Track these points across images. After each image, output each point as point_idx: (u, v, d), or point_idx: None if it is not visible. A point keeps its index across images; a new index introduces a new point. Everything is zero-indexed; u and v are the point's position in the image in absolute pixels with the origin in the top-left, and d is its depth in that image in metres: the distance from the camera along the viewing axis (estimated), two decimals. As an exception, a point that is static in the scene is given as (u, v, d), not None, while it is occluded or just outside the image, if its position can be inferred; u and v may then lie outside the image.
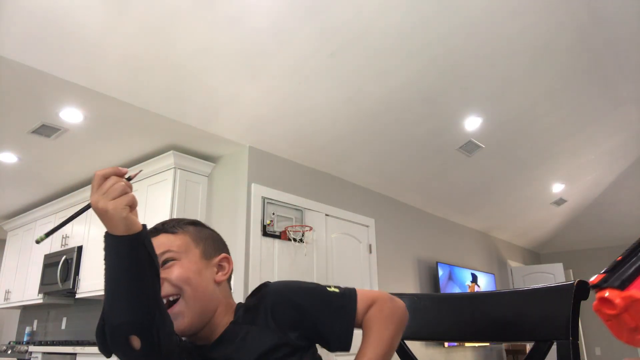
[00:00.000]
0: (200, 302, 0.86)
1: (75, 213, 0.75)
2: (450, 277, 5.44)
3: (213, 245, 0.96)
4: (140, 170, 0.92)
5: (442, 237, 5.69)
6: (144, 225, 0.73)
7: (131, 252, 0.69)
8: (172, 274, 0.86)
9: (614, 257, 0.55)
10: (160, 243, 0.88)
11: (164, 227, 0.92)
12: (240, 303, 0.94)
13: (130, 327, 0.70)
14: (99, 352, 3.10)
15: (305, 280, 0.92)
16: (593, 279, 0.52)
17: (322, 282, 0.87)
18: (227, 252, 0.98)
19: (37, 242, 0.75)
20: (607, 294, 0.49)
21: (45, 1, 2.21)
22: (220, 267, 0.94)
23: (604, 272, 0.52)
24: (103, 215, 0.69)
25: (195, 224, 0.97)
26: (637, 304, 0.47)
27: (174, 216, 3.46)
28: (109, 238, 0.70)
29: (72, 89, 2.76)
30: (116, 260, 0.70)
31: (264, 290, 0.90)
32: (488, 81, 3.48)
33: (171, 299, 0.85)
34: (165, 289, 0.84)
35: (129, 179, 0.74)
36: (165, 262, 0.87)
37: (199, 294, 0.86)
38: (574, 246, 7.80)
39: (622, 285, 0.49)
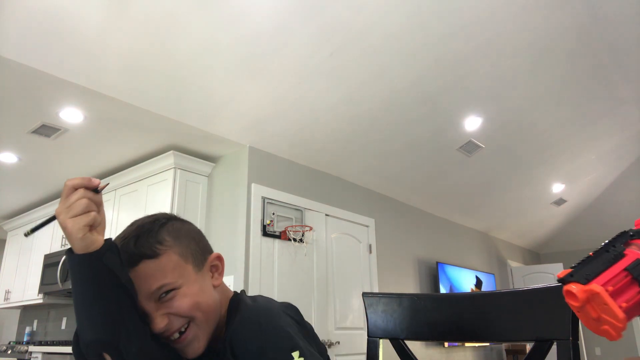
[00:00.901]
0: (211, 318, 0.79)
1: (50, 218, 0.73)
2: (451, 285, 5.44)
3: (198, 249, 0.83)
4: (108, 184, 0.80)
5: (442, 237, 5.69)
6: (107, 240, 0.70)
7: (89, 270, 0.67)
8: (179, 307, 0.76)
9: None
10: (148, 275, 0.75)
11: (140, 252, 0.76)
12: (235, 294, 0.87)
13: (99, 345, 0.69)
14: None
15: (283, 324, 0.75)
16: (560, 273, 0.56)
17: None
18: (210, 247, 0.87)
19: (26, 235, 0.74)
20: (571, 288, 0.54)
21: (45, 1, 2.21)
22: (213, 267, 0.85)
23: (570, 267, 0.57)
24: (63, 229, 0.67)
25: (169, 230, 0.81)
26: (597, 297, 0.51)
27: (174, 216, 3.46)
28: (68, 254, 0.69)
29: (72, 89, 2.76)
30: (77, 277, 0.68)
31: (235, 318, 0.78)
32: (488, 81, 3.48)
33: (182, 329, 0.77)
34: (174, 323, 0.76)
35: (97, 190, 0.70)
36: (165, 293, 0.76)
37: (209, 312, 0.79)
38: (574, 246, 7.80)
39: (585, 281, 0.53)
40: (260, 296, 0.88)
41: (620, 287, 0.51)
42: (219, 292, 0.84)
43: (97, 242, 0.68)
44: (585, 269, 0.55)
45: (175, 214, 0.87)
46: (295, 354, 0.68)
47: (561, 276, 0.56)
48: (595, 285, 0.51)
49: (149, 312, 0.75)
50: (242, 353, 0.72)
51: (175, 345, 0.77)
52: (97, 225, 0.68)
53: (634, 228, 0.61)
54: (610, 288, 0.51)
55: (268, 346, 0.71)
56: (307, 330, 0.81)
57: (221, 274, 0.86)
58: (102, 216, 0.70)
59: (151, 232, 0.78)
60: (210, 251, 0.86)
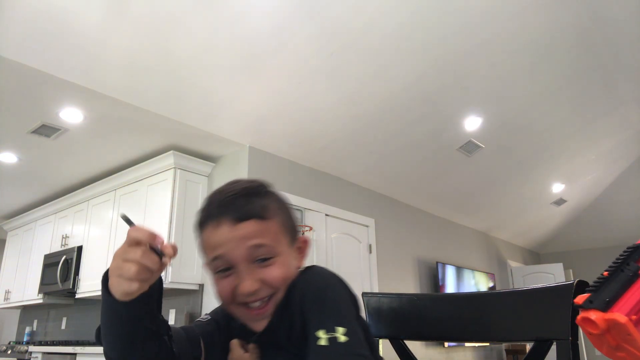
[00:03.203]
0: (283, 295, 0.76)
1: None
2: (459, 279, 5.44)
3: (294, 226, 0.81)
4: (174, 252, 0.69)
5: (442, 237, 5.69)
6: (152, 287, 0.66)
7: (112, 310, 0.66)
8: (274, 276, 0.73)
9: (614, 258, 0.56)
10: (251, 232, 0.72)
11: (250, 209, 0.74)
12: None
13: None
14: (98, 353, 3.11)
15: (345, 296, 0.73)
16: (577, 298, 0.54)
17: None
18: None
19: (123, 217, 0.71)
20: (591, 315, 0.51)
21: (45, 1, 2.21)
22: (298, 249, 0.82)
23: (589, 292, 0.54)
24: (110, 272, 0.64)
25: (276, 198, 0.81)
26: (619, 327, 0.49)
27: (174, 216, 3.46)
28: (102, 285, 0.67)
29: (72, 89, 2.76)
30: (102, 303, 0.68)
31: (300, 284, 0.74)
32: (488, 81, 3.48)
33: (264, 300, 0.75)
34: (262, 292, 0.73)
35: (159, 253, 0.65)
36: (263, 260, 0.73)
37: (286, 289, 0.76)
38: (574, 246, 7.80)
39: (605, 307, 0.51)
40: None
41: None
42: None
43: (137, 292, 0.63)
44: (603, 293, 0.52)
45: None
46: (341, 330, 0.66)
47: (580, 302, 0.53)
48: (620, 315, 0.49)
49: (241, 271, 0.73)
50: (296, 306, 0.71)
51: (250, 313, 0.75)
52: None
53: None
54: (634, 317, 0.49)
55: (322, 308, 0.69)
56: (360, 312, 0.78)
57: (304, 257, 0.83)
58: (157, 275, 0.66)
59: (260, 194, 0.78)
60: (299, 231, 0.85)
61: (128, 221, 0.69)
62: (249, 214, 0.74)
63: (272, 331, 0.74)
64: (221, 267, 0.74)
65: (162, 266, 0.65)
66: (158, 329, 0.70)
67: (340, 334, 0.65)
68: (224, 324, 0.85)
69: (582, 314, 0.53)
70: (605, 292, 0.52)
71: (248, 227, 0.73)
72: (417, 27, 2.83)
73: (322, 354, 0.65)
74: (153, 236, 0.64)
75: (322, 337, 0.65)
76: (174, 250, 0.66)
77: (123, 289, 0.62)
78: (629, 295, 0.51)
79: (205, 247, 0.77)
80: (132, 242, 0.64)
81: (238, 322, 0.81)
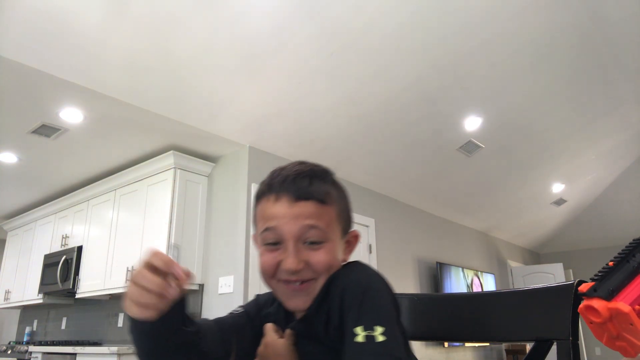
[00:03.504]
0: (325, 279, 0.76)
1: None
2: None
3: (348, 218, 0.82)
4: (187, 290, 0.67)
5: (442, 237, 5.69)
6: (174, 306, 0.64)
7: (135, 328, 0.65)
8: (319, 261, 0.73)
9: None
10: (307, 213, 0.73)
11: (312, 191, 0.74)
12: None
13: None
14: (98, 353, 3.10)
15: (388, 297, 0.71)
16: (582, 286, 0.54)
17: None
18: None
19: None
20: (594, 303, 0.51)
21: (45, 1, 2.21)
22: (347, 243, 0.82)
23: (593, 280, 0.54)
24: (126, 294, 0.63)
25: (338, 186, 0.81)
26: (621, 316, 0.49)
27: (174, 216, 3.46)
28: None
29: (72, 89, 2.76)
30: (128, 318, 0.67)
31: (342, 280, 0.73)
32: (488, 81, 3.48)
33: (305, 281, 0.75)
34: (305, 273, 0.73)
35: (172, 277, 0.62)
36: (313, 243, 0.73)
37: (330, 274, 0.75)
38: (574, 246, 7.80)
39: (609, 296, 0.51)
40: None
41: None
42: None
43: (154, 315, 0.62)
44: (607, 282, 0.52)
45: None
46: (380, 329, 0.65)
47: (584, 290, 0.53)
48: (623, 305, 0.49)
49: (288, 248, 0.73)
50: (335, 299, 0.70)
51: (288, 288, 0.75)
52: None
53: None
54: (637, 307, 0.49)
55: (362, 304, 0.67)
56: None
57: (351, 251, 0.83)
58: (172, 298, 0.63)
59: (324, 180, 0.78)
60: (352, 225, 0.84)
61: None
62: (309, 195, 0.74)
63: (309, 322, 0.74)
64: (270, 239, 0.74)
65: (176, 291, 0.63)
66: (185, 340, 0.68)
67: (379, 333, 0.64)
68: (255, 314, 0.85)
69: (585, 302, 0.53)
70: (610, 281, 0.52)
71: (306, 206, 0.73)
72: (417, 27, 2.83)
73: (358, 350, 0.64)
74: (170, 264, 0.61)
75: (360, 333, 0.65)
76: (188, 276, 0.64)
77: (136, 313, 0.61)
78: (633, 286, 0.51)
79: (260, 218, 0.78)
80: (147, 267, 0.61)
81: (270, 312, 0.83)
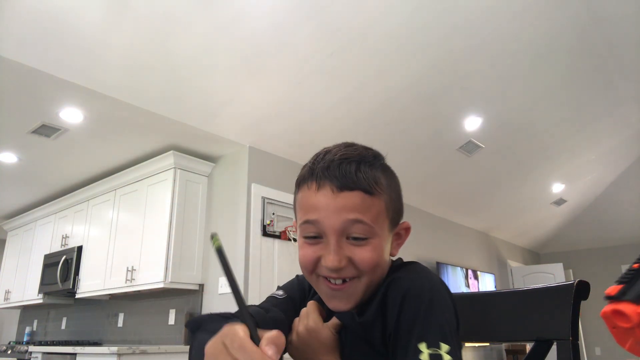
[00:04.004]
0: (373, 284, 0.69)
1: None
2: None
3: (399, 209, 0.73)
4: None
5: (442, 237, 5.69)
6: None
7: None
8: (363, 259, 0.66)
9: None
10: (352, 205, 0.65)
11: (359, 180, 0.66)
12: (398, 259, 0.76)
13: None
14: (98, 353, 3.10)
15: (451, 309, 0.66)
16: (609, 289, 0.51)
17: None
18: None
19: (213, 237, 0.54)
20: (624, 308, 0.49)
21: (45, 1, 2.21)
22: (396, 235, 0.75)
23: (620, 283, 0.52)
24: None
25: (388, 174, 0.72)
26: None
27: (174, 216, 3.46)
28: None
29: (72, 89, 2.76)
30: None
31: (400, 282, 0.66)
32: (488, 81, 3.48)
33: (347, 279, 0.68)
34: (347, 271, 0.67)
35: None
36: (357, 239, 0.66)
37: (375, 279, 0.69)
38: (574, 246, 7.80)
39: (639, 300, 0.49)
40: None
41: None
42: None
43: None
44: (637, 285, 0.50)
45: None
46: (445, 347, 0.59)
47: (613, 294, 0.51)
48: None
49: (330, 243, 0.66)
50: (395, 306, 0.64)
51: (328, 287, 0.69)
52: None
53: None
54: None
55: (427, 317, 0.61)
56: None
57: (401, 245, 0.76)
58: None
59: (374, 166, 0.69)
60: (403, 216, 0.75)
61: (221, 253, 0.53)
62: (355, 185, 0.66)
63: (365, 328, 0.68)
64: (311, 233, 0.68)
65: None
66: None
67: (444, 352, 0.59)
68: (300, 301, 0.80)
69: (612, 306, 0.51)
70: (638, 284, 0.50)
71: (351, 198, 0.65)
72: (417, 27, 2.83)
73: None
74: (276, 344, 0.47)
75: (424, 351, 0.59)
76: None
77: None
78: None
79: (299, 207, 0.70)
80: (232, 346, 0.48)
81: (318, 298, 0.75)
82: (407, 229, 0.76)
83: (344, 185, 0.65)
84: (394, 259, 0.77)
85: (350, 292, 0.68)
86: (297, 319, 0.75)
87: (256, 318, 0.69)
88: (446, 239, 5.76)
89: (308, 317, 0.73)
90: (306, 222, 0.68)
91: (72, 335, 4.67)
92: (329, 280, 0.68)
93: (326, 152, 0.71)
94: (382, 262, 0.69)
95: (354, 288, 0.68)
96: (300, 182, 0.71)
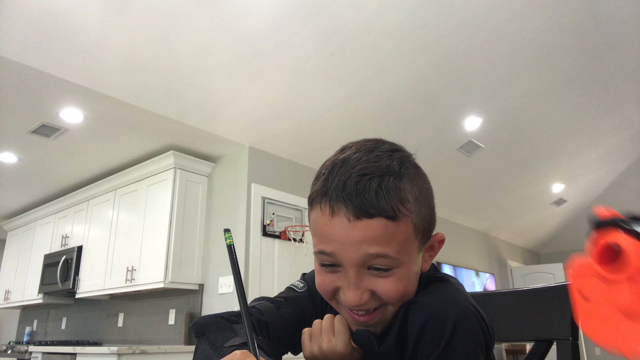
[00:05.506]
0: (400, 305, 0.61)
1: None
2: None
3: (431, 223, 0.63)
4: None
5: (442, 237, 5.68)
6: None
7: None
8: (389, 292, 0.58)
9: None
10: (372, 236, 0.55)
11: (383, 205, 0.55)
12: (425, 275, 0.66)
13: None
14: (98, 353, 3.10)
15: (479, 339, 0.57)
16: (599, 210, 0.35)
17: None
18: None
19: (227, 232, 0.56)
20: (619, 239, 0.30)
21: (45, 1, 2.21)
22: (429, 248, 0.65)
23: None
24: None
25: (416, 185, 0.60)
26: None
27: (174, 216, 3.46)
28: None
29: (72, 89, 2.76)
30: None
31: (420, 312, 0.58)
32: (488, 81, 3.48)
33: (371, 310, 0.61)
34: (371, 303, 0.59)
35: None
36: (380, 270, 0.58)
37: (404, 300, 0.60)
38: (574, 246, 7.79)
39: None
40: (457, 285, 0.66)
41: None
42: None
43: None
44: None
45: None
46: None
47: (606, 215, 0.34)
48: None
49: (349, 277, 0.58)
50: (413, 336, 0.57)
51: (352, 317, 0.62)
52: None
53: None
54: None
55: (447, 352, 0.54)
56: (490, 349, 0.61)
57: (433, 257, 0.67)
58: None
59: (400, 178, 0.58)
60: (435, 226, 0.65)
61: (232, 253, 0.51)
62: (376, 210, 0.55)
63: (384, 357, 0.60)
64: (326, 261, 0.60)
65: None
66: None
67: None
68: (320, 301, 0.73)
69: (600, 240, 0.34)
70: None
71: (371, 228, 0.55)
72: (417, 27, 2.83)
73: None
74: None
75: None
76: None
77: None
78: None
79: (313, 232, 0.61)
80: None
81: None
82: (441, 242, 0.67)
83: (362, 211, 0.55)
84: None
85: (376, 321, 0.61)
86: (307, 332, 0.66)
87: (265, 316, 0.65)
88: (446, 238, 5.75)
89: (334, 337, 0.63)
90: (320, 251, 0.59)
91: (72, 335, 4.67)
92: (352, 310, 0.61)
93: (341, 162, 0.60)
94: (410, 289, 0.60)
95: (381, 316, 0.61)
96: (313, 201, 0.61)
